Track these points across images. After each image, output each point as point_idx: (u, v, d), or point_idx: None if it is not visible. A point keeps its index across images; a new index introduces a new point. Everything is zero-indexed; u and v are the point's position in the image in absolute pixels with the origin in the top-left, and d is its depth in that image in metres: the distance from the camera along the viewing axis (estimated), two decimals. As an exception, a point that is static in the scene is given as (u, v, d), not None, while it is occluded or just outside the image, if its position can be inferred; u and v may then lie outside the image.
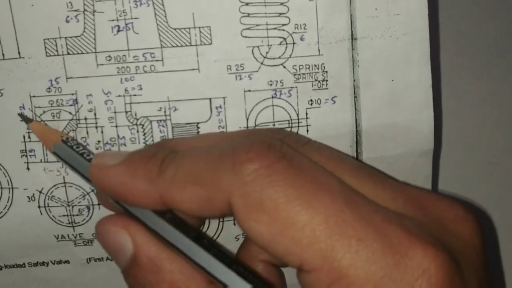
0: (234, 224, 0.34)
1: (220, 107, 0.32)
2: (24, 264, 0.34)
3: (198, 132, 0.32)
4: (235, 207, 0.25)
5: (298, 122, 0.33)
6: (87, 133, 0.32)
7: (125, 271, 0.28)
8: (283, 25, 0.32)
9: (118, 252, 0.28)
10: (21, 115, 0.32)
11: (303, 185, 0.25)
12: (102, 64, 0.31)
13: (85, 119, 0.32)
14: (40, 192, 0.33)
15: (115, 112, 0.32)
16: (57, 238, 0.33)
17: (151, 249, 0.27)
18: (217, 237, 0.34)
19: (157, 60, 0.31)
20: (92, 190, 0.33)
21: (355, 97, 0.33)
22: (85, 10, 0.31)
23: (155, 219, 0.28)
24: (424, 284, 0.23)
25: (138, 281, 0.27)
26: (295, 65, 0.32)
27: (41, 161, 0.32)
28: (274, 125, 0.33)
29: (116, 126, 0.32)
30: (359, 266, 0.23)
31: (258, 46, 0.32)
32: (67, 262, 0.34)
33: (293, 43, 0.32)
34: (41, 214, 0.33)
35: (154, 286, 0.27)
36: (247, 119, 0.32)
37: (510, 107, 0.41)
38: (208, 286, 0.27)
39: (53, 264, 0.34)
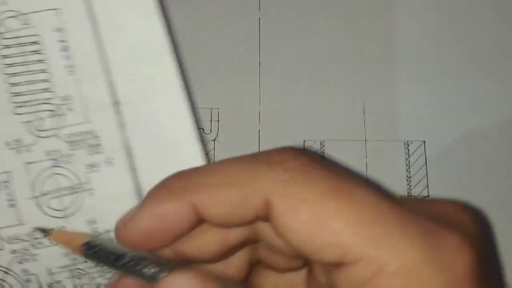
0: None
1: (7, 181, 0.35)
2: None
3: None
4: (274, 205, 0.25)
5: (82, 187, 0.35)
6: None
7: None
8: (50, 99, 0.34)
9: None
10: (38, 228, 0.34)
11: (338, 181, 0.26)
12: None
13: None
14: None
15: None
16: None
17: None
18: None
19: None
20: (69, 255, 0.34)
21: (129, 157, 0.35)
22: None
23: None
24: (461, 259, 0.24)
25: None
26: (67, 134, 0.35)
27: None
28: (59, 192, 0.35)
29: None
30: (402, 250, 0.24)
31: (31, 121, 0.34)
32: None
33: (63, 114, 0.34)
34: None
35: None
36: (34, 190, 0.35)
37: (510, 107, 0.41)
38: None
39: None
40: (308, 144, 0.40)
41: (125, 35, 0.34)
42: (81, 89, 0.34)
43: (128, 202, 0.34)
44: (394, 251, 0.24)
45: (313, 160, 0.26)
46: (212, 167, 0.28)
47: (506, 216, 0.40)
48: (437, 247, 0.24)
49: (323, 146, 0.40)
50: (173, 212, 0.26)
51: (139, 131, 0.34)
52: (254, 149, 0.40)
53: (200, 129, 0.38)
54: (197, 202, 0.26)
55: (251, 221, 0.27)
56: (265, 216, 0.26)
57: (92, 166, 0.35)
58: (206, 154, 0.35)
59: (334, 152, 0.40)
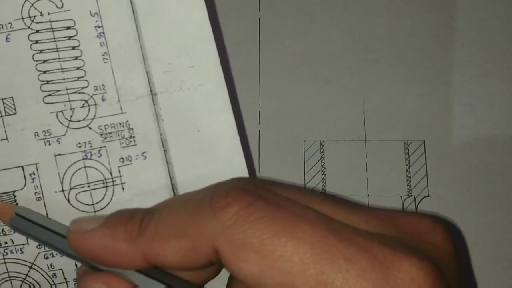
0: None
1: (34, 173, 0.33)
2: None
3: (15, 200, 0.33)
4: (221, 251, 0.26)
5: (113, 181, 0.33)
6: None
7: None
8: (83, 88, 0.33)
9: None
10: None
11: (283, 219, 0.26)
12: None
13: None
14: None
15: None
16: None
17: None
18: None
19: (-35, 134, 0.33)
20: (61, 256, 0.34)
21: (164, 150, 0.33)
22: None
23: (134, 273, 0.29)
24: None
25: None
26: (100, 125, 0.33)
27: None
28: (89, 186, 0.33)
29: None
30: (352, 284, 0.24)
31: (62, 111, 0.33)
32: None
33: (95, 104, 0.33)
34: None
35: None
36: (61, 183, 0.33)
37: (510, 107, 0.41)
38: None
39: None
40: (308, 144, 0.40)
41: (165, 21, 0.32)
42: (116, 78, 0.32)
43: (161, 199, 0.33)
44: (343, 286, 0.24)
45: (255, 201, 0.26)
46: (163, 214, 0.28)
47: (506, 216, 0.40)
48: (390, 278, 0.24)
49: (323, 146, 0.40)
50: (124, 253, 0.28)
51: (176, 124, 0.32)
52: (254, 149, 0.40)
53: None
54: (149, 251, 0.27)
55: (205, 266, 0.28)
56: (217, 261, 0.26)
57: (125, 159, 0.33)
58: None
59: (334, 152, 0.40)
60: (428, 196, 0.41)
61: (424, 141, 0.41)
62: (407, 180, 0.41)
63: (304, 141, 0.41)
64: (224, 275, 0.32)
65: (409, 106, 0.41)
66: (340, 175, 0.40)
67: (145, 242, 0.27)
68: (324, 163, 0.40)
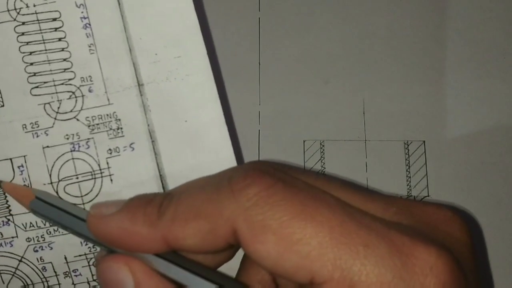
0: None
1: (22, 166, 0.33)
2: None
3: (4, 193, 0.33)
4: (240, 232, 0.26)
5: (101, 173, 0.33)
6: None
7: None
8: (70, 79, 0.33)
9: None
10: None
11: (302, 202, 0.26)
12: None
13: None
14: None
15: None
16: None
17: (151, 283, 0.28)
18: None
19: (-47, 128, 0.33)
20: (86, 244, 0.34)
21: (152, 141, 0.33)
22: None
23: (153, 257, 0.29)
24: (433, 280, 0.24)
25: None
26: (88, 117, 0.33)
27: None
28: (77, 178, 0.33)
29: None
30: (369, 271, 0.24)
31: (49, 103, 0.33)
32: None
33: (82, 96, 0.33)
34: None
35: None
36: (50, 175, 0.33)
37: (510, 107, 0.40)
38: None
39: None
40: (308, 144, 0.40)
41: (151, 12, 0.32)
42: (102, 69, 0.32)
43: (149, 190, 0.33)
44: (361, 272, 0.24)
45: (275, 183, 0.26)
46: (182, 196, 0.28)
47: (505, 216, 0.40)
48: (408, 266, 0.24)
49: (323, 146, 0.40)
50: (143, 236, 0.27)
51: (164, 115, 0.32)
52: (255, 149, 0.40)
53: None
54: (169, 234, 0.27)
55: (224, 249, 0.27)
56: (236, 243, 0.26)
57: (112, 151, 0.33)
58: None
59: (334, 152, 0.40)
60: (428, 196, 0.41)
61: (424, 141, 0.41)
62: (407, 180, 0.41)
63: (304, 141, 0.41)
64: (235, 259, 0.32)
65: (409, 106, 0.41)
66: (340, 175, 0.40)
67: (165, 225, 0.27)
68: (324, 163, 0.40)
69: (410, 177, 0.41)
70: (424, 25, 0.42)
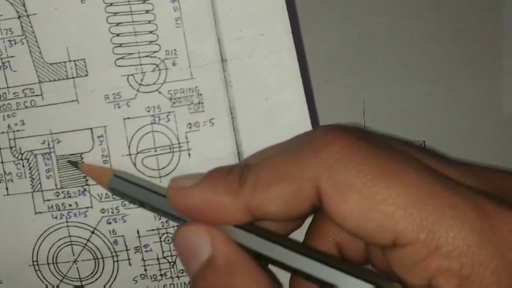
0: (130, 264, 0.34)
1: (102, 136, 0.33)
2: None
3: (82, 162, 0.33)
4: (323, 191, 0.25)
5: (180, 147, 0.33)
6: (-25, 170, 0.34)
7: (196, 275, 0.28)
8: (154, 52, 0.33)
9: (195, 254, 0.28)
10: (69, 161, 0.34)
11: (387, 162, 0.25)
12: (-15, 103, 0.33)
13: (-27, 156, 0.34)
14: None
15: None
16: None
17: (229, 251, 0.27)
18: (114, 280, 0.35)
19: (36, 95, 0.33)
20: (159, 218, 0.34)
21: (232, 118, 0.33)
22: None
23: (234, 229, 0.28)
24: None
25: (208, 284, 0.28)
26: (170, 90, 0.33)
27: None
28: (155, 151, 0.33)
29: (2, 162, 0.34)
30: (456, 232, 0.24)
31: (132, 74, 0.33)
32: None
33: (166, 69, 0.33)
34: None
35: None
36: (129, 147, 0.33)
37: (510, 107, 0.40)
38: None
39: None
40: None
41: (239, -12, 0.32)
42: (187, 43, 0.32)
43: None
44: (447, 234, 0.23)
45: (357, 140, 0.25)
46: (262, 163, 0.27)
47: None
48: (494, 230, 0.23)
49: None
50: (226, 206, 0.27)
51: (245, 92, 0.32)
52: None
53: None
54: (252, 202, 0.26)
55: (307, 213, 0.27)
56: (320, 204, 0.25)
57: (192, 125, 0.33)
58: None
59: None
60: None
61: (424, 141, 0.41)
62: (407, 180, 0.40)
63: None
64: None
65: (409, 106, 0.41)
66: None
67: (247, 192, 0.26)
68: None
69: (410, 177, 0.40)
70: (424, 25, 0.41)
